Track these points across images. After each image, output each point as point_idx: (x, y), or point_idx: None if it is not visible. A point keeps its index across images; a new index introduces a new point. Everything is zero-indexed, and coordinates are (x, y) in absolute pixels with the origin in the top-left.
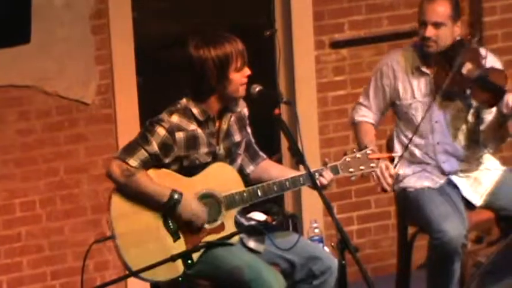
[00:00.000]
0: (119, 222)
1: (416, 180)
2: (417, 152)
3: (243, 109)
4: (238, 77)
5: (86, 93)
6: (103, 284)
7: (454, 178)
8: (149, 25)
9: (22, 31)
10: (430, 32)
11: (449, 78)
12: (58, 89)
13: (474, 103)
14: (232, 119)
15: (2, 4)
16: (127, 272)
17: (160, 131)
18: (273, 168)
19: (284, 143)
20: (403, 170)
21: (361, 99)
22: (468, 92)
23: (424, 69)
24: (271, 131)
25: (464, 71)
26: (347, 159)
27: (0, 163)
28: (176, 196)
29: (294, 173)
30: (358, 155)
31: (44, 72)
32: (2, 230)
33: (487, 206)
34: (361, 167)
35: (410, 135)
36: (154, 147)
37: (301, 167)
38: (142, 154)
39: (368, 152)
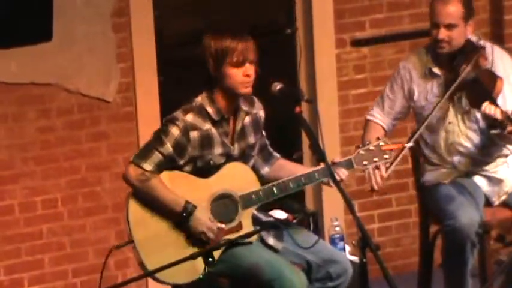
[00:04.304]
0: (137, 227)
1: (435, 176)
2: (434, 154)
3: (259, 111)
4: (235, 73)
5: (107, 91)
6: (124, 282)
7: (473, 177)
8: (170, 23)
9: (44, 29)
10: (443, 34)
11: (457, 82)
12: (79, 87)
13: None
14: (248, 120)
15: (24, 2)
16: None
17: (174, 131)
18: (289, 165)
19: (305, 141)
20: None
21: (376, 99)
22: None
23: (435, 70)
24: (292, 129)
25: (462, 73)
26: (360, 152)
27: (21, 161)
28: (190, 209)
29: (309, 170)
30: (371, 147)
31: (65, 70)
32: (23, 228)
33: (505, 204)
34: (375, 159)
35: (425, 136)
36: (169, 148)
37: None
38: (156, 157)
39: (381, 143)
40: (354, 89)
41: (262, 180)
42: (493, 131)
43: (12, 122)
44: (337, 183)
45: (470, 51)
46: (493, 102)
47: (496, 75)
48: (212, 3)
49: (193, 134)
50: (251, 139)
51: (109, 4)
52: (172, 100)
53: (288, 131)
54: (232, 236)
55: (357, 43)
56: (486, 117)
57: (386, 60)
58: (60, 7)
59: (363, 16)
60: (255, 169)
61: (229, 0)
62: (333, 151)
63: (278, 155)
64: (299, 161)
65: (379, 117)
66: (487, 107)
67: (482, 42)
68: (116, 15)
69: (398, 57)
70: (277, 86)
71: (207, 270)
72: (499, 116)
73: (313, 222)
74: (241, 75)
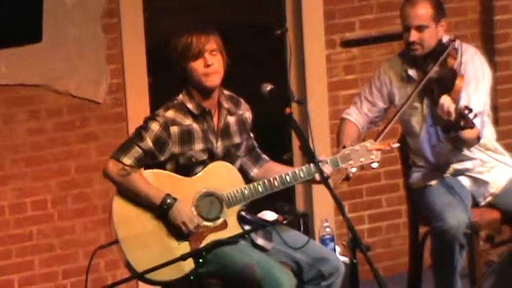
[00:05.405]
0: (121, 226)
1: (422, 178)
2: (418, 157)
3: (245, 112)
4: (196, 66)
5: (97, 92)
6: (113, 283)
7: (459, 177)
8: (161, 24)
9: (33, 30)
10: (413, 36)
11: (421, 84)
12: (69, 88)
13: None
14: (232, 120)
15: (14, 3)
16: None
17: (154, 127)
18: (278, 167)
19: (295, 142)
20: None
21: (354, 100)
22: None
23: (411, 73)
24: (282, 130)
25: (431, 74)
26: (346, 152)
27: (11, 162)
28: (169, 201)
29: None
30: (357, 147)
31: (55, 71)
32: (13, 229)
33: (491, 205)
34: (361, 159)
35: (408, 140)
36: (149, 143)
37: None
38: (136, 152)
39: (367, 144)
40: (344, 90)
41: (252, 182)
42: (450, 134)
43: (2, 124)
44: (326, 181)
45: (441, 51)
46: (451, 97)
47: (457, 73)
48: (202, 4)
49: (174, 129)
50: (236, 139)
51: (99, 5)
52: (162, 101)
53: (278, 132)
54: (218, 235)
55: (347, 44)
56: (441, 111)
57: (376, 61)
58: (50, 8)
59: (353, 17)
60: (243, 171)
61: (220, 1)
62: (323, 152)
63: (267, 158)
64: (289, 162)
65: (355, 117)
66: (443, 97)
67: (456, 43)
68: (107, 17)
69: (388, 58)
70: (267, 87)
71: (195, 270)
72: (452, 110)
73: (304, 223)
74: (202, 67)
